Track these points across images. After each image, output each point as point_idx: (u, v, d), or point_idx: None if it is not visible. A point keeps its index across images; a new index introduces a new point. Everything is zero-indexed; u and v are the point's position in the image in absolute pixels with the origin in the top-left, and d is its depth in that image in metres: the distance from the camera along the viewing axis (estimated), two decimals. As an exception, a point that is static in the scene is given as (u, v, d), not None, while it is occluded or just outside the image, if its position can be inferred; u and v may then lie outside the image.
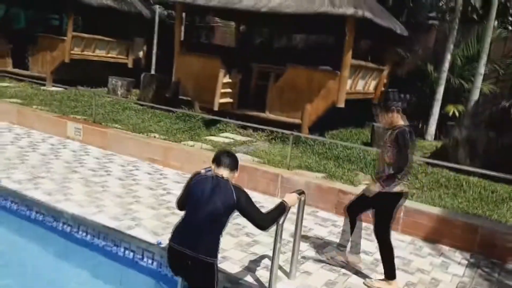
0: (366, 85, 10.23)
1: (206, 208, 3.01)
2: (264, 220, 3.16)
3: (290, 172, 6.30)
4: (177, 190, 5.98)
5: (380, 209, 3.85)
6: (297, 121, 8.85)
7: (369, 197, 3.82)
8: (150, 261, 4.23)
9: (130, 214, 4.92)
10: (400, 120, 3.74)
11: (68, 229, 4.80)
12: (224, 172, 3.13)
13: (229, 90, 9.60)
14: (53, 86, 12.55)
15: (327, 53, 10.44)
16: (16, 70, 13.33)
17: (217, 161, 3.19)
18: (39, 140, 7.96)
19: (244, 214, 3.10)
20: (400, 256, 4.52)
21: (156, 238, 4.34)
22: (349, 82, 8.87)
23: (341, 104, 8.53)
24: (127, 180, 6.19)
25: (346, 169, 6.71)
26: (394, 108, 3.71)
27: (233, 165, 3.19)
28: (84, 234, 4.69)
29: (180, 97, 10.89)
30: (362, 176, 6.49)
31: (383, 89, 10.57)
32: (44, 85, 12.61)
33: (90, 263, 4.43)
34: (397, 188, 3.72)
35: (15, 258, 4.47)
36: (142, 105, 10.57)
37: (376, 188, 3.74)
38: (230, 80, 9.59)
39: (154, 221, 4.80)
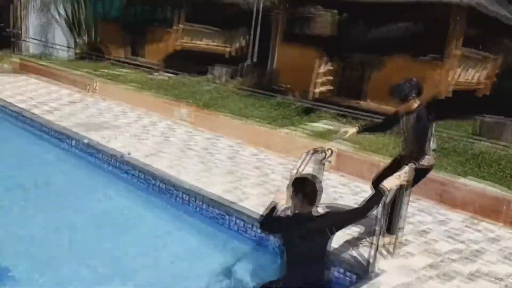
0: (475, 75, 9.78)
1: None
2: (359, 215, 3.41)
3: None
4: (279, 172, 6.42)
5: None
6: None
7: (395, 167, 4.08)
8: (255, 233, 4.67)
9: (239, 189, 5.42)
10: (415, 104, 4.08)
11: (187, 198, 5.42)
12: None
13: (328, 78, 9.81)
14: (164, 73, 13.73)
15: (431, 42, 10.13)
16: (132, 59, 14.77)
17: None
18: (156, 121, 8.89)
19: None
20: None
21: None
22: (455, 71, 8.59)
23: (446, 95, 8.32)
24: (235, 160, 6.74)
25: (450, 160, 6.61)
26: (411, 97, 4.06)
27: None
28: (200, 203, 5.27)
29: (278, 85, 11.30)
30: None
31: (495, 79, 10.02)
32: (156, 72, 13.85)
33: (203, 230, 4.96)
34: (428, 163, 4.12)
35: (138, 224, 5.13)
36: (244, 90, 11.18)
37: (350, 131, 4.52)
38: (330, 68, 9.78)
39: (261, 197, 5.24)
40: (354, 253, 4.06)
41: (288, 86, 10.66)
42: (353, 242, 4.24)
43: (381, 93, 9.18)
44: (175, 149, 6.88)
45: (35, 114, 8.22)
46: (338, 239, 4.18)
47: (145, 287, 3.89)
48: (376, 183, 4.21)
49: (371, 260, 3.77)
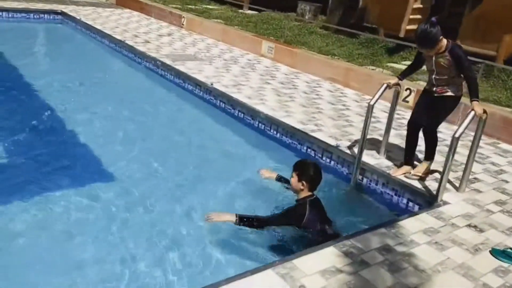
0: None
1: None
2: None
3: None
4: (355, 108, 6.49)
5: (441, 111, 4.16)
6: (491, 53, 8.22)
7: (429, 102, 4.14)
8: (328, 160, 4.91)
9: (313, 121, 5.63)
10: (443, 44, 3.86)
11: (262, 127, 5.77)
12: None
13: (418, 16, 9.31)
14: (249, 9, 13.84)
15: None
16: (219, -6, 14.98)
17: None
18: (239, 55, 9.20)
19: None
20: None
21: (334, 141, 4.97)
22: None
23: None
24: (311, 95, 6.89)
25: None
26: (440, 37, 3.80)
27: None
28: (275, 132, 5.60)
29: (365, 24, 10.94)
30: None
31: None
32: (241, 8, 14.00)
33: (277, 156, 5.29)
34: (458, 93, 4.09)
35: (220, 147, 5.58)
36: (327, 29, 11.01)
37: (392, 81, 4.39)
38: (420, 6, 9.26)
39: (334, 129, 5.42)
40: (420, 185, 4.16)
41: (377, 24, 10.30)
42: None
43: (474, 34, 8.65)
44: (254, 83, 7.17)
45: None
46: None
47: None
48: (416, 123, 4.28)
49: (435, 192, 3.87)
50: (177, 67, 7.53)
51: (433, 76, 4.07)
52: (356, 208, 4.28)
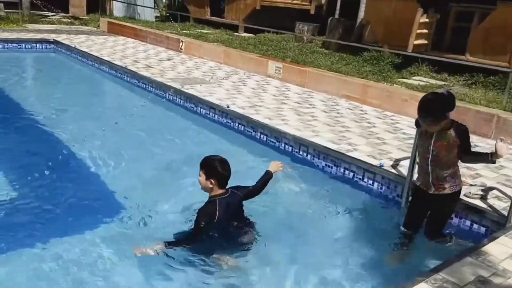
0: None
1: None
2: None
3: (507, 113, 5.90)
4: (381, 125, 6.18)
5: (445, 214, 3.46)
6: (503, 64, 8.08)
7: (427, 205, 3.43)
8: (370, 181, 4.54)
9: (344, 140, 5.29)
10: (447, 121, 3.16)
11: (290, 148, 5.39)
12: None
13: (424, 31, 9.18)
14: (245, 31, 13.66)
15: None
16: (213, 18, 14.82)
17: None
18: (245, 77, 8.89)
19: None
20: None
21: (375, 161, 4.62)
22: None
23: None
24: (331, 113, 6.57)
25: None
26: (448, 114, 3.12)
27: None
28: (304, 154, 5.22)
29: (368, 40, 10.80)
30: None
31: None
32: (236, 31, 13.81)
33: (310, 179, 4.90)
34: (458, 186, 3.34)
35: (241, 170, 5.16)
36: (328, 48, 10.84)
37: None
38: (426, 20, 9.14)
39: (368, 148, 5.08)
40: (484, 205, 3.82)
41: (380, 40, 10.16)
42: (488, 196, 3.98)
43: (484, 46, 8.54)
44: (269, 103, 6.83)
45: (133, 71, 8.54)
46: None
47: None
48: (413, 228, 3.60)
49: (506, 213, 3.52)
50: (187, 91, 7.16)
51: (429, 161, 3.27)
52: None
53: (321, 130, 5.63)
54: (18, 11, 13.89)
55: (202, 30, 14.18)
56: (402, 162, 4.63)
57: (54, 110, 6.62)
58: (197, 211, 3.26)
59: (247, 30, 13.71)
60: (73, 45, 10.77)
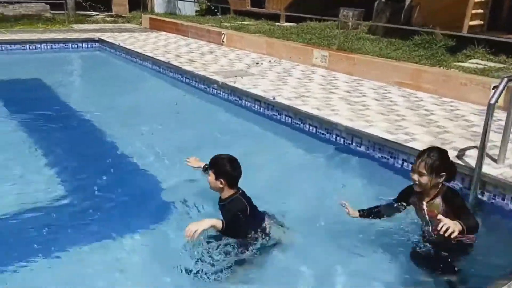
0: None
1: None
2: None
3: None
4: (439, 111, 5.76)
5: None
6: None
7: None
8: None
9: (401, 129, 4.93)
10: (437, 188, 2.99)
11: (341, 140, 5.11)
12: None
13: (479, 11, 8.57)
14: (286, 21, 13.34)
15: None
16: (254, 9, 14.59)
17: None
18: (289, 67, 8.62)
19: None
20: None
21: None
22: None
23: None
24: (383, 101, 6.20)
25: None
26: (443, 176, 2.95)
27: None
28: (358, 145, 4.93)
29: (418, 22, 10.22)
30: None
31: None
32: (278, 21, 13.52)
33: (364, 172, 4.61)
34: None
35: (290, 165, 4.93)
36: (374, 33, 10.35)
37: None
38: (481, 0, 8.51)
39: (429, 137, 4.71)
40: None
41: (431, 22, 9.56)
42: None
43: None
44: (317, 93, 6.54)
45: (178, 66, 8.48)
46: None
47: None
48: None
49: None
50: (231, 83, 6.98)
51: (431, 233, 3.04)
52: (483, 232, 3.53)
53: (374, 119, 5.29)
54: (63, 12, 14.22)
55: (243, 22, 13.99)
56: (467, 152, 4.25)
57: (101, 108, 6.63)
58: (229, 212, 3.08)
59: (288, 19, 13.38)
60: (117, 43, 10.87)
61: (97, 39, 11.63)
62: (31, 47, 10.78)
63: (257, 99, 6.38)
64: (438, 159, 2.91)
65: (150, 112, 6.58)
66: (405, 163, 4.44)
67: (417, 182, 2.95)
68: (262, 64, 8.82)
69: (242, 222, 3.01)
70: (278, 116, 5.99)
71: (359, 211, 3.34)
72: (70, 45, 11.28)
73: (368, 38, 10.20)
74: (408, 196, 3.17)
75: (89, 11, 15.74)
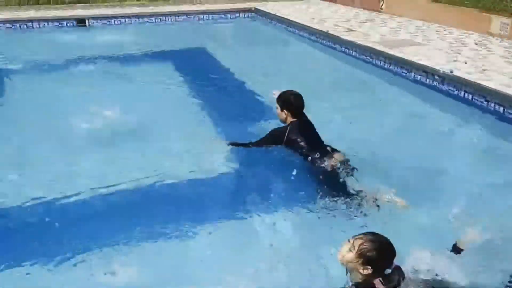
0: None
1: None
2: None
3: None
4: None
5: None
6: None
7: None
8: None
9: None
10: None
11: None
12: None
13: None
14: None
15: None
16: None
17: None
18: (462, 36, 7.76)
19: None
20: None
21: None
22: None
23: None
24: None
25: None
26: None
27: None
28: None
29: None
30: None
31: None
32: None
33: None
34: None
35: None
36: None
37: None
38: None
39: None
40: None
41: None
42: None
43: None
44: (503, 66, 5.77)
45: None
46: None
47: None
48: None
49: None
50: (397, 54, 6.55)
51: None
52: None
53: None
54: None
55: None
56: None
57: (259, 76, 6.68)
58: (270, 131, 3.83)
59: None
60: (273, 13, 10.99)
61: (253, 9, 11.90)
62: (195, 18, 11.52)
63: (429, 71, 5.87)
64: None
65: (309, 83, 6.32)
66: None
67: None
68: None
69: (265, 141, 3.81)
70: (456, 92, 5.45)
71: None
72: (229, 15, 11.75)
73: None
74: None
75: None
